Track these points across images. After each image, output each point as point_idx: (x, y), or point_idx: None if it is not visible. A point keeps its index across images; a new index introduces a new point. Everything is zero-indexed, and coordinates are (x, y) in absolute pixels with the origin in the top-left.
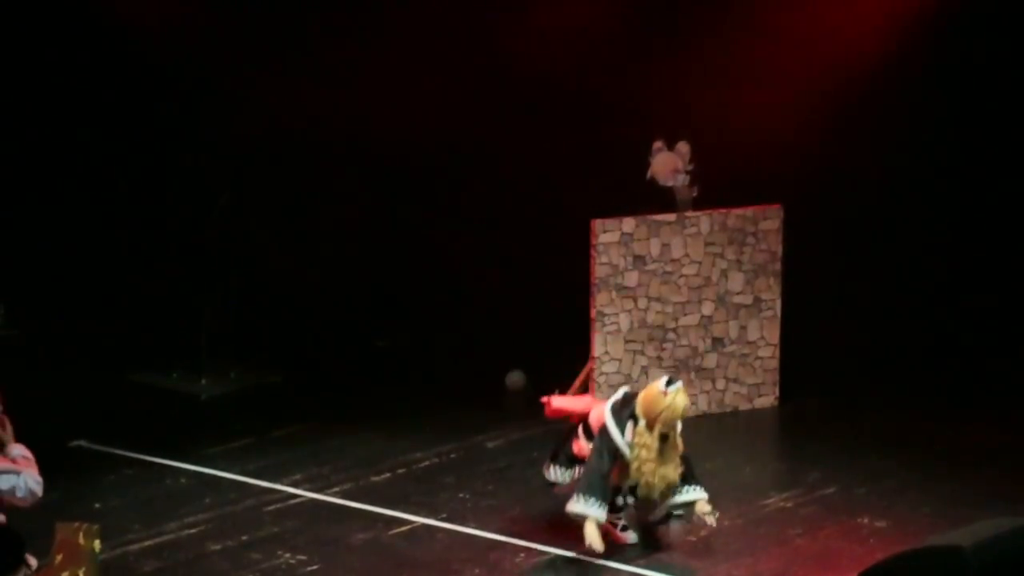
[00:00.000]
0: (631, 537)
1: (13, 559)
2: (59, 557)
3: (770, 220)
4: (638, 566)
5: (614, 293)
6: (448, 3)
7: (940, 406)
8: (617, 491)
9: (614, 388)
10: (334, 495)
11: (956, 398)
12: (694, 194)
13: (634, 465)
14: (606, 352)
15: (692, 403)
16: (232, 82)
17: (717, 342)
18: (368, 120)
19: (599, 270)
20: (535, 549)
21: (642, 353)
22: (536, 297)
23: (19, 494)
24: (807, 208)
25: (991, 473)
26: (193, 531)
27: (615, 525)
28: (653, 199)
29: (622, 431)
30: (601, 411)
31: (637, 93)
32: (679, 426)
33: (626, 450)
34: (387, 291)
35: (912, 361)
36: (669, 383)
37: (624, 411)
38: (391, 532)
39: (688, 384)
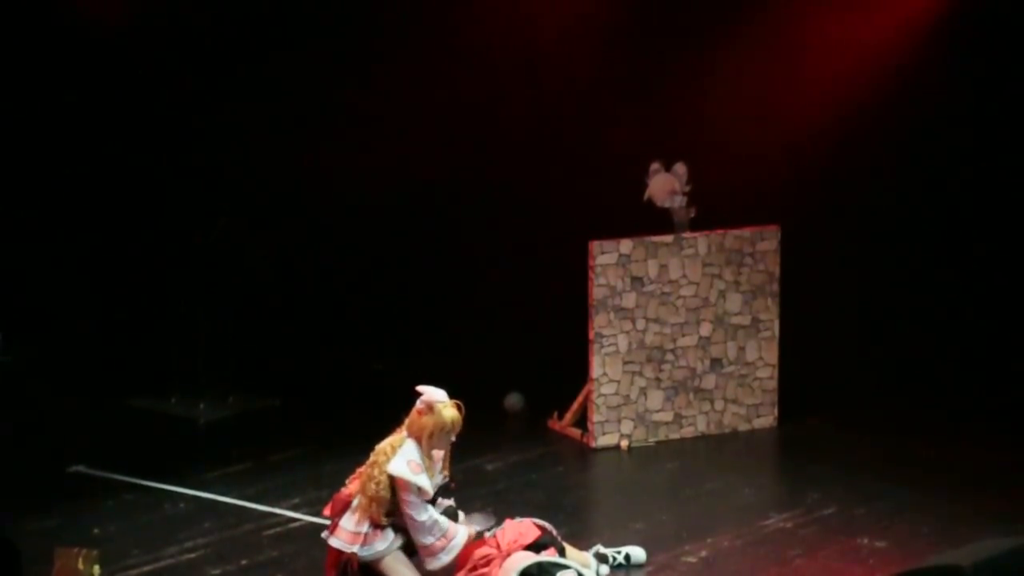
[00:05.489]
0: None
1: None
2: None
3: (767, 241)
4: None
5: (612, 314)
6: (445, 26)
7: (939, 426)
8: None
9: (613, 410)
10: None
11: (955, 418)
12: (691, 215)
13: None
14: (604, 373)
15: (691, 423)
16: (229, 103)
17: (715, 363)
18: (366, 143)
19: (597, 291)
20: None
21: (640, 374)
22: (534, 319)
23: None
24: (804, 228)
25: (991, 493)
26: (192, 556)
27: None
28: (650, 220)
29: None
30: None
31: (634, 114)
32: None
33: None
34: (384, 314)
35: (911, 381)
36: None
37: None
38: None
39: (687, 405)
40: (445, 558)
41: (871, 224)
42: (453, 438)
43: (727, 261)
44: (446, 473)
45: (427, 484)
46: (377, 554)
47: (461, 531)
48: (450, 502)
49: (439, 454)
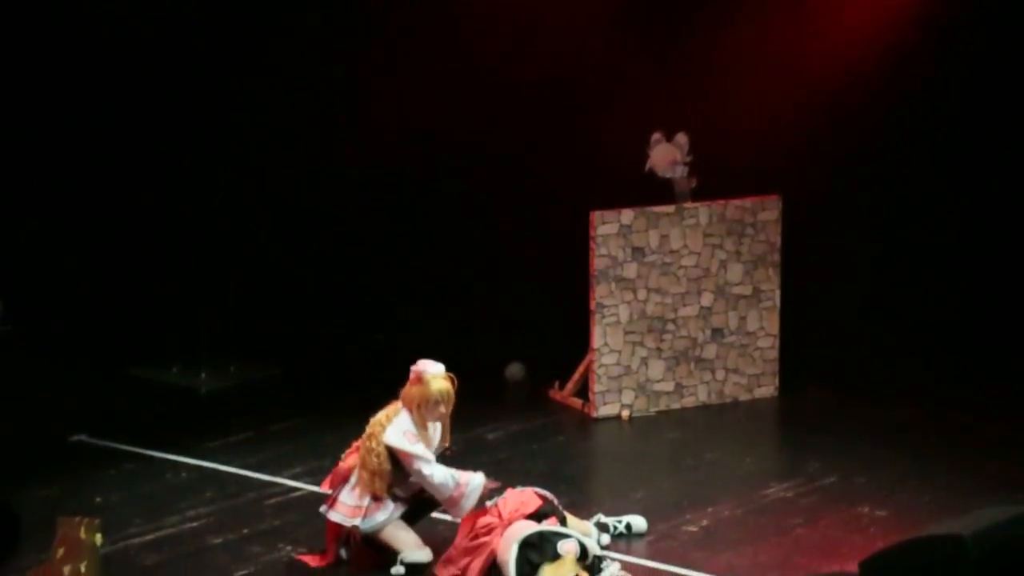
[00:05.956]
0: None
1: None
2: (60, 551)
3: (769, 211)
4: (640, 556)
5: (613, 285)
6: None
7: (940, 395)
8: None
9: (614, 380)
10: None
11: (956, 387)
12: (693, 185)
13: None
14: (605, 343)
15: (692, 393)
16: (231, 79)
17: (716, 333)
18: (366, 114)
19: (598, 262)
20: None
21: (641, 344)
22: (535, 289)
23: None
24: (806, 198)
25: (991, 462)
26: (194, 524)
27: None
28: (652, 191)
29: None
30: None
31: (635, 84)
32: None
33: None
34: (385, 284)
35: (912, 350)
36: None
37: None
38: None
39: (688, 375)
40: (468, 504)
41: (872, 194)
42: (443, 409)
43: (728, 231)
44: (447, 445)
45: (424, 451)
46: (378, 525)
47: (476, 476)
48: None
49: (437, 426)
